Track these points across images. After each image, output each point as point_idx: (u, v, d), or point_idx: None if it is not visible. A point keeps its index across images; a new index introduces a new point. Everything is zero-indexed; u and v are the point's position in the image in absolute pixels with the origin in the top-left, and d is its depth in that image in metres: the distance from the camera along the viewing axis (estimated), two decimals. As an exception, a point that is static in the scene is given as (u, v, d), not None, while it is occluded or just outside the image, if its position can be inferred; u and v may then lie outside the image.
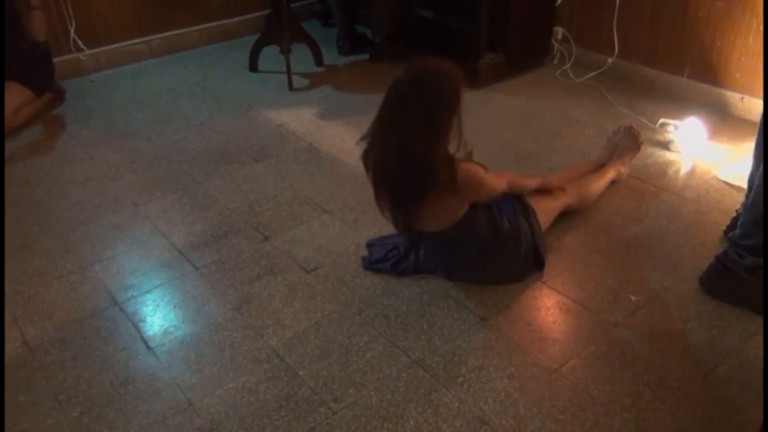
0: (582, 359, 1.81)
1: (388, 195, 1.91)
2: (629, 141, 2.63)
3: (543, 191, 2.22)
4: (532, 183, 2.19)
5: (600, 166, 2.53)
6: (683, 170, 2.71)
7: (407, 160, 1.79)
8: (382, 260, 2.16)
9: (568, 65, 3.58)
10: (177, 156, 2.93)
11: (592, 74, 3.48)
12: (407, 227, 1.96)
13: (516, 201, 2.12)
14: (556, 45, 3.69)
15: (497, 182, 1.99)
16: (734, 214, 2.23)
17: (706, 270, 2.05)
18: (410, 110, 1.76)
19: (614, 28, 3.35)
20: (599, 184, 2.43)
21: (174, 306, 2.06)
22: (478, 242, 2.00)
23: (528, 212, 2.11)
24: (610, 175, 2.48)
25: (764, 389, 1.63)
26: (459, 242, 2.00)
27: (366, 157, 1.90)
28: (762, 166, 1.91)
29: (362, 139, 1.88)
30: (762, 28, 2.85)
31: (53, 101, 3.41)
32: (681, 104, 3.16)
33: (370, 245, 2.25)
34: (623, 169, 2.56)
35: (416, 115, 1.75)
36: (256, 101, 3.44)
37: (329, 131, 3.12)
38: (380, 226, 2.37)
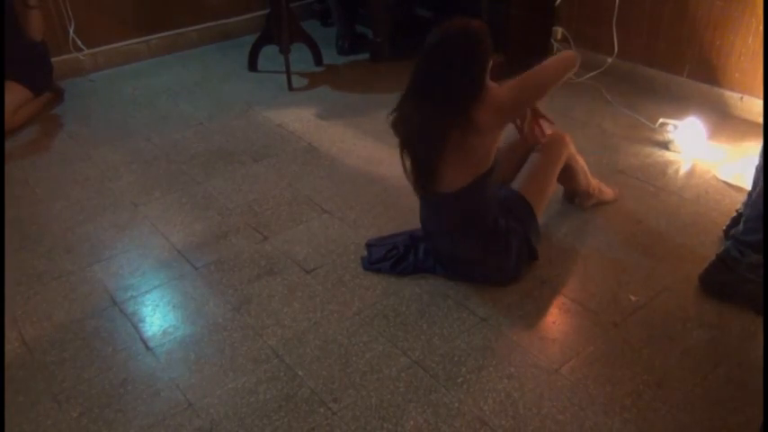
0: (582, 359, 1.81)
1: (415, 146, 1.92)
2: (611, 192, 2.50)
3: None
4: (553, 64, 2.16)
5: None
6: (683, 170, 2.71)
7: (444, 105, 1.83)
8: (382, 260, 2.16)
9: (567, 64, 3.57)
10: (176, 156, 2.93)
11: (591, 73, 3.48)
12: (428, 180, 1.94)
13: (513, 193, 2.10)
14: (555, 45, 3.68)
15: (516, 85, 1.99)
16: (734, 214, 2.24)
17: (706, 269, 2.04)
18: (443, 64, 1.84)
19: (614, 28, 3.35)
20: (591, 178, 2.36)
21: (174, 306, 2.06)
22: (481, 220, 1.99)
23: (523, 209, 2.08)
24: (604, 188, 2.43)
25: (764, 389, 1.63)
26: (465, 217, 1.99)
27: (398, 118, 1.97)
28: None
29: (394, 110, 1.98)
30: (761, 28, 2.85)
31: (52, 100, 3.41)
32: (680, 104, 3.16)
33: (369, 245, 2.24)
34: (611, 195, 2.47)
35: (450, 68, 1.83)
36: (256, 101, 3.44)
37: (328, 131, 3.11)
38: (380, 226, 2.37)
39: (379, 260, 2.16)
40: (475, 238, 2.02)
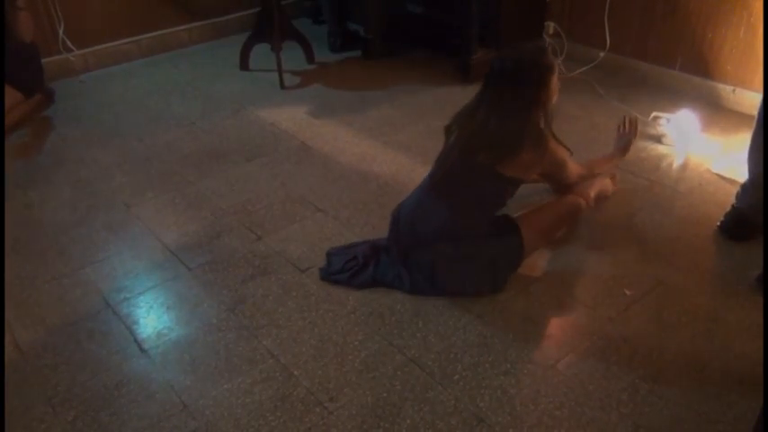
0: (577, 354, 1.81)
1: (487, 133, 1.98)
2: (608, 183, 2.53)
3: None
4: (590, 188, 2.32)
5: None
6: (676, 163, 2.71)
7: (510, 122, 1.98)
8: (340, 271, 2.11)
9: (560, 59, 3.57)
10: (169, 156, 2.92)
11: (584, 68, 3.48)
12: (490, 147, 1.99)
13: (506, 219, 2.10)
14: (547, 40, 3.67)
15: (576, 168, 2.23)
16: (728, 208, 2.24)
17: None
18: (511, 87, 1.98)
19: (606, 22, 3.35)
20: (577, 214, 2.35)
21: (168, 307, 2.05)
22: (481, 215, 2.03)
23: (511, 235, 2.05)
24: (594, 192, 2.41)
25: (764, 388, 1.63)
26: (476, 198, 2.02)
27: (455, 123, 2.06)
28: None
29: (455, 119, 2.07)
30: (753, 20, 2.85)
31: (43, 102, 3.38)
32: (673, 97, 3.16)
33: (330, 254, 2.20)
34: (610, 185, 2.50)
35: (522, 93, 1.98)
36: (248, 100, 3.43)
37: (321, 129, 3.10)
38: (374, 224, 2.36)
39: (337, 271, 2.12)
40: (465, 234, 2.00)
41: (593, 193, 2.33)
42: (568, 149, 2.14)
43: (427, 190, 2.08)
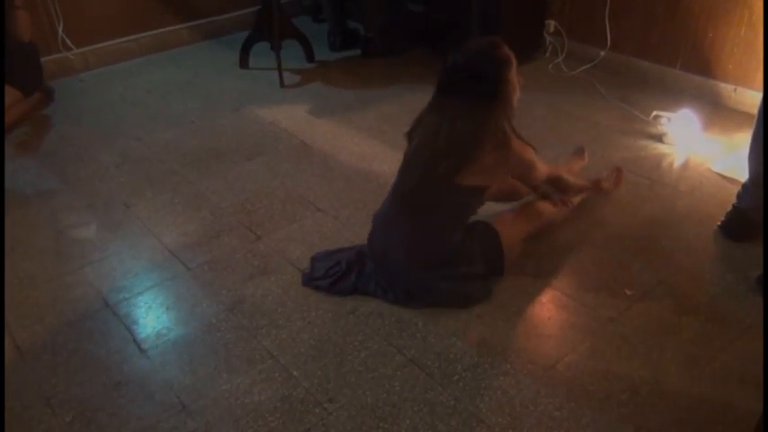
0: (578, 355, 1.80)
1: (441, 142, 1.87)
2: (612, 178, 2.49)
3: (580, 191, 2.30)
4: (579, 182, 2.26)
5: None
6: (677, 162, 2.71)
7: (466, 124, 1.85)
8: (322, 277, 2.07)
9: (561, 58, 3.57)
10: (168, 155, 2.91)
11: (584, 67, 3.47)
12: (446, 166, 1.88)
13: (483, 224, 2.05)
14: (548, 38, 3.67)
15: (544, 167, 2.07)
16: (729, 208, 2.23)
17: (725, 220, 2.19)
18: (471, 86, 1.85)
19: (606, 20, 3.34)
20: (558, 215, 2.30)
21: (167, 307, 2.04)
22: (451, 229, 1.94)
23: (491, 239, 2.02)
24: (577, 200, 2.36)
25: (764, 388, 1.63)
26: (438, 215, 1.93)
27: (422, 116, 1.95)
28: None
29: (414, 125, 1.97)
30: (754, 19, 2.84)
31: (42, 101, 3.38)
32: (674, 96, 3.15)
33: (314, 259, 2.18)
34: (608, 185, 2.45)
35: (477, 90, 1.85)
36: (247, 98, 3.42)
37: (321, 128, 3.10)
38: (374, 223, 2.35)
39: (319, 277, 2.08)
40: (439, 250, 1.95)
41: (577, 199, 2.33)
42: (533, 147, 2.00)
43: (394, 209, 2.00)
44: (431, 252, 1.95)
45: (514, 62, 1.88)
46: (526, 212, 2.19)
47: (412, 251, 1.95)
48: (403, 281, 1.99)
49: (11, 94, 3.13)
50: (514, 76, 1.89)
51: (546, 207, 2.23)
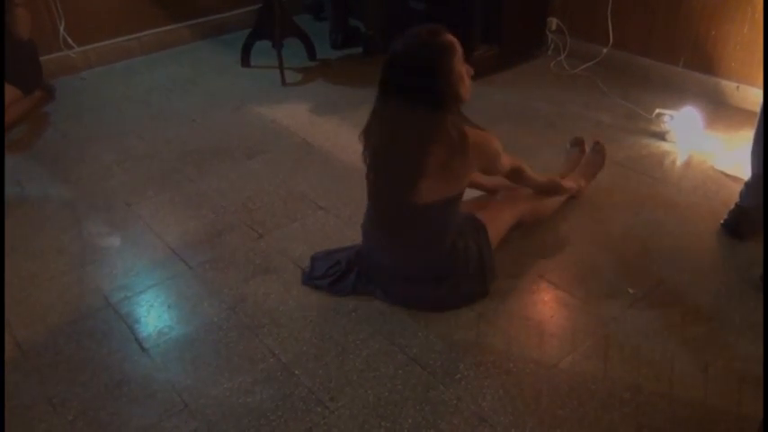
0: (580, 354, 1.80)
1: (390, 161, 1.82)
2: (595, 157, 2.49)
3: (544, 191, 2.19)
4: (541, 179, 2.15)
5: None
6: (680, 161, 2.70)
7: (410, 134, 1.76)
8: (322, 277, 2.06)
9: (563, 56, 3.56)
10: (169, 153, 2.91)
11: (586, 65, 3.46)
12: (402, 189, 1.82)
13: (469, 218, 2.02)
14: (550, 36, 3.66)
15: (509, 158, 1.94)
16: (732, 206, 2.22)
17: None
18: (410, 79, 1.72)
19: (609, 18, 3.33)
20: (555, 203, 2.30)
21: (169, 306, 2.04)
22: (440, 242, 1.89)
23: (479, 232, 1.98)
24: (569, 185, 2.32)
25: (764, 389, 1.62)
26: (425, 235, 1.89)
27: (368, 130, 1.84)
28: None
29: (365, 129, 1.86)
30: (757, 17, 2.83)
31: (43, 99, 3.38)
32: (676, 94, 3.14)
33: (314, 258, 2.16)
34: (583, 183, 2.39)
35: (417, 83, 1.72)
36: (249, 96, 3.42)
37: (323, 126, 3.09)
38: (375, 222, 2.35)
39: (319, 276, 2.07)
40: (430, 260, 1.93)
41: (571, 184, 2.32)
42: (482, 129, 1.84)
43: (379, 232, 1.97)
44: (425, 265, 1.93)
45: (459, 49, 1.72)
46: (512, 199, 2.15)
47: (405, 266, 1.95)
48: (401, 290, 1.98)
49: (11, 92, 3.13)
50: (460, 64, 1.73)
51: (531, 194, 2.19)
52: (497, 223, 2.07)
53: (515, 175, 2.04)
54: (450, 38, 1.72)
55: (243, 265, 2.19)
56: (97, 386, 1.76)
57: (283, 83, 3.52)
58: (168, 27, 4.03)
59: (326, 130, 3.05)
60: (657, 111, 2.94)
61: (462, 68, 1.74)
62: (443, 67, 1.70)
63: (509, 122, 3.04)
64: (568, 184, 2.32)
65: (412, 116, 1.73)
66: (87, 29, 3.71)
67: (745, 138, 2.73)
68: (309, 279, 2.09)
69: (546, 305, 1.99)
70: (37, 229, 2.43)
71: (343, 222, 2.38)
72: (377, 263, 2.01)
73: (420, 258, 1.93)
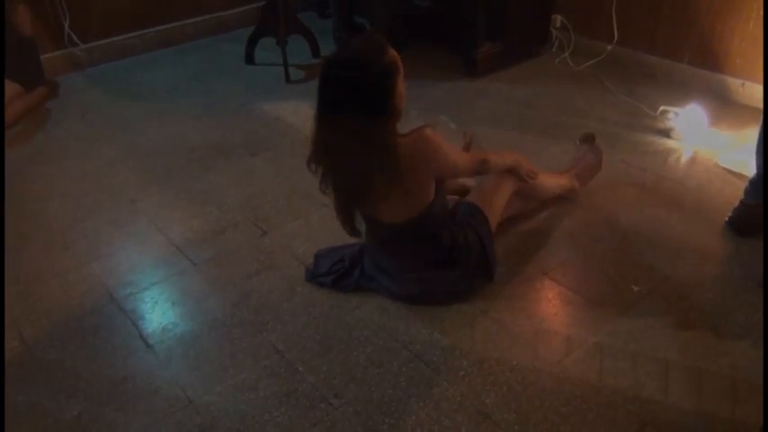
0: (584, 351, 1.80)
1: (346, 189, 1.78)
2: (592, 158, 2.46)
3: (514, 172, 2.07)
4: (507, 160, 2.03)
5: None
6: (684, 158, 2.69)
7: (356, 163, 1.69)
8: (326, 274, 2.05)
9: (567, 53, 3.55)
10: (174, 150, 2.91)
11: (591, 62, 3.46)
12: (366, 218, 1.82)
13: (463, 206, 2.02)
14: (555, 33, 3.65)
15: (462, 156, 1.87)
16: (736, 204, 2.21)
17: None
18: (349, 102, 1.63)
19: (613, 15, 3.32)
20: (550, 181, 2.27)
21: (173, 303, 2.05)
22: (436, 243, 1.88)
23: (476, 217, 1.97)
24: (564, 181, 2.32)
25: (764, 390, 1.62)
26: (415, 243, 1.88)
27: (316, 157, 1.76)
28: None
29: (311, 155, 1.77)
30: (762, 13, 2.82)
31: (46, 96, 3.38)
32: (681, 91, 3.13)
33: (317, 256, 2.15)
34: (577, 185, 2.36)
35: (361, 105, 1.63)
36: (253, 94, 3.42)
37: (327, 124, 3.09)
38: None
39: (323, 273, 2.06)
40: (430, 259, 1.92)
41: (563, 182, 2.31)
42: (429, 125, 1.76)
43: (372, 247, 1.98)
44: (425, 265, 1.93)
45: (401, 67, 1.65)
46: (500, 175, 2.08)
47: (408, 270, 1.95)
48: (406, 287, 1.97)
49: (12, 88, 3.14)
50: (402, 83, 1.65)
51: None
52: (493, 204, 2.04)
53: (481, 168, 1.96)
54: (396, 55, 1.64)
55: (247, 262, 2.19)
56: (102, 382, 1.77)
57: (287, 80, 3.52)
58: (172, 24, 4.03)
59: (330, 128, 3.04)
60: (662, 108, 2.93)
61: (403, 88, 1.67)
62: (391, 92, 1.63)
63: (513, 119, 3.04)
64: (562, 179, 2.33)
65: (355, 139, 1.65)
66: (92, 26, 3.72)
67: (750, 135, 2.72)
68: (313, 276, 2.09)
69: (550, 302, 1.99)
70: (42, 226, 2.44)
71: (346, 219, 2.38)
72: (380, 264, 2.01)
73: (421, 261, 1.93)
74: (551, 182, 2.28)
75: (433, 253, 1.91)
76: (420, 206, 1.81)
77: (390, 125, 1.67)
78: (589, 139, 2.55)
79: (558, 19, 3.62)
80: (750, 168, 2.25)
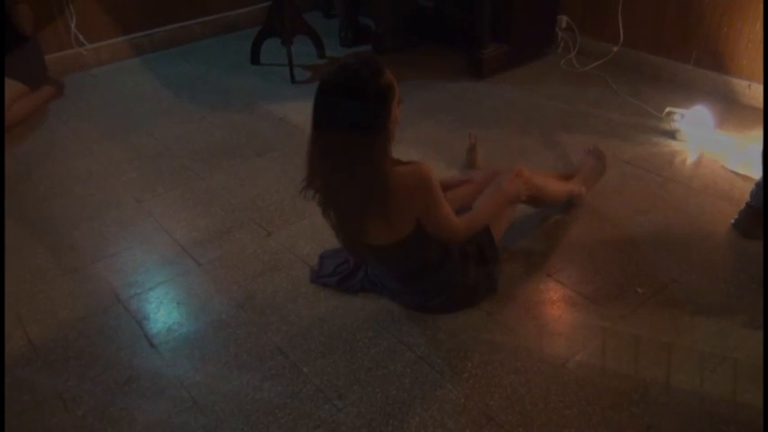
0: (588, 353, 1.79)
1: (338, 209, 1.77)
2: (596, 163, 2.44)
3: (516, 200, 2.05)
4: (503, 199, 2.00)
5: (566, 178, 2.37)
6: (690, 159, 2.68)
7: (351, 190, 1.68)
8: (329, 275, 2.06)
9: (573, 54, 3.55)
10: (179, 151, 2.92)
11: (597, 63, 3.45)
12: (356, 239, 1.79)
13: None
14: (560, 34, 3.65)
15: (449, 212, 1.78)
16: (742, 206, 2.21)
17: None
18: (344, 125, 1.61)
19: (619, 15, 3.31)
20: (557, 188, 2.25)
21: (178, 303, 2.05)
22: (432, 259, 1.87)
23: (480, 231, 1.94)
24: (571, 187, 2.28)
25: (764, 390, 1.62)
26: (408, 260, 1.86)
27: (311, 176, 1.74)
28: None
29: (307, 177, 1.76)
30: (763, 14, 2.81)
31: (51, 95, 3.40)
32: (687, 92, 3.12)
33: (322, 257, 2.16)
34: (583, 191, 2.32)
35: (348, 122, 1.60)
36: (258, 94, 3.42)
37: (332, 124, 3.09)
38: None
39: (326, 275, 2.07)
40: (427, 275, 1.90)
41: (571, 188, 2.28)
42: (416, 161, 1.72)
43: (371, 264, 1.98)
44: (421, 282, 1.91)
45: (397, 91, 1.63)
46: (499, 183, 2.03)
47: (404, 287, 1.95)
48: (407, 299, 1.98)
49: (18, 87, 3.15)
50: (396, 108, 1.64)
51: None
52: (497, 217, 2.01)
53: (472, 230, 1.89)
54: (392, 78, 1.62)
55: (252, 263, 2.20)
56: (107, 382, 1.78)
57: (293, 80, 3.53)
58: (178, 25, 4.05)
59: (335, 128, 3.04)
60: (668, 109, 2.92)
61: (397, 110, 1.65)
62: (386, 112, 1.60)
63: (518, 120, 3.03)
64: (569, 185, 2.30)
65: (347, 160, 1.64)
66: (98, 26, 3.74)
67: (757, 137, 2.72)
68: (317, 277, 2.09)
69: (554, 305, 1.99)
70: (48, 226, 2.45)
71: (351, 220, 2.39)
72: (380, 277, 2.01)
73: (414, 280, 1.92)
74: (558, 188, 2.27)
75: (423, 273, 1.89)
76: (393, 237, 1.78)
77: (382, 147, 1.63)
78: (598, 155, 2.50)
79: (563, 20, 3.61)
80: (756, 170, 2.24)
